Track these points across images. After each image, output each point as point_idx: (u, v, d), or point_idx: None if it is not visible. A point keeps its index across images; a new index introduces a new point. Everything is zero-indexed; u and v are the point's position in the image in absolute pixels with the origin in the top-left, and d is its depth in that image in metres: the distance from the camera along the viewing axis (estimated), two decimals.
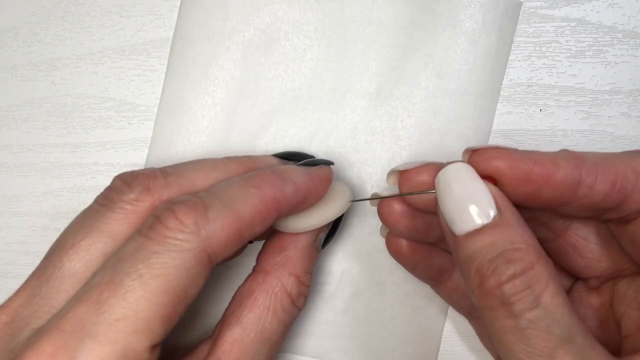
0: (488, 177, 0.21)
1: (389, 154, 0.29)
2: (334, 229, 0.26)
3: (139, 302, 0.19)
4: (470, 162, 0.22)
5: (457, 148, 0.29)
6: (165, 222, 0.20)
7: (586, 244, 0.24)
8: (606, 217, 0.22)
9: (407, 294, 0.29)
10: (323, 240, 0.26)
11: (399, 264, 0.28)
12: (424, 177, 0.23)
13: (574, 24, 0.29)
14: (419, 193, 0.23)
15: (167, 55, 0.30)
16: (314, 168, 0.25)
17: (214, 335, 0.23)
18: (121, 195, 0.22)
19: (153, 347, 0.19)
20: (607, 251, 0.24)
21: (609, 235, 0.24)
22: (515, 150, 0.21)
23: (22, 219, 0.31)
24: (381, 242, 0.28)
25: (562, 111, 0.29)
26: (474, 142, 0.29)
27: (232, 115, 0.30)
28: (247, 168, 0.24)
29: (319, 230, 0.26)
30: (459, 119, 0.29)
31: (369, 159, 0.29)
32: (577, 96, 0.29)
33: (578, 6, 0.29)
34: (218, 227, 0.20)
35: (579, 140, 0.29)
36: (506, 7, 0.29)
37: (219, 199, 0.21)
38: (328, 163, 0.26)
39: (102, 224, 0.21)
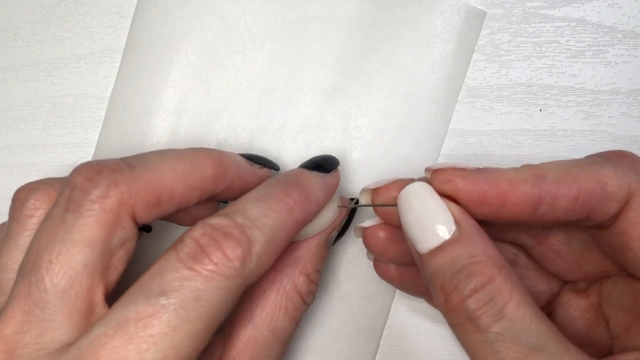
0: (448, 195, 0.22)
1: (340, 152, 0.29)
2: (345, 226, 0.27)
3: (184, 342, 0.18)
4: (430, 182, 0.22)
5: (408, 150, 0.29)
6: (211, 255, 0.19)
7: (568, 249, 0.24)
8: (578, 225, 0.22)
9: (347, 293, 0.29)
10: (334, 238, 0.26)
11: (341, 263, 0.29)
12: (395, 194, 0.23)
13: (574, 24, 0.29)
14: (387, 205, 0.24)
15: (126, 40, 0.30)
16: (328, 176, 0.25)
17: (225, 332, 0.23)
18: (87, 195, 0.20)
19: None
20: (589, 254, 0.24)
21: (589, 240, 0.24)
22: (473, 171, 0.21)
23: None
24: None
25: (562, 111, 0.29)
26: (426, 146, 0.29)
27: (185, 99, 0.30)
28: (216, 163, 0.23)
29: (331, 229, 0.26)
30: (411, 122, 0.29)
31: (320, 154, 0.29)
32: (577, 96, 0.29)
33: (578, 6, 0.29)
34: (261, 263, 0.20)
35: (579, 140, 0.29)
36: (467, 16, 0.29)
37: (260, 231, 0.21)
38: (336, 163, 0.26)
39: (75, 233, 0.20)
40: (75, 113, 0.31)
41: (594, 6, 0.29)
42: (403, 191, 0.22)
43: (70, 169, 0.32)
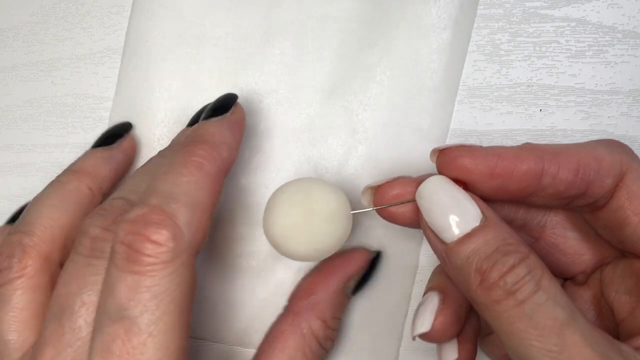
0: (459, 182, 0.22)
1: (345, 148, 0.29)
2: (367, 275, 0.28)
3: (166, 339, 0.19)
4: (437, 162, 0.23)
5: (413, 141, 0.29)
6: (143, 250, 0.20)
7: (565, 241, 0.25)
8: (575, 204, 0.23)
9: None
10: (353, 287, 0.27)
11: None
12: (398, 191, 0.23)
13: (574, 24, 0.29)
14: (400, 204, 0.23)
15: (123, 50, 0.30)
16: (229, 115, 0.25)
17: None
18: (8, 273, 0.22)
19: None
20: (586, 243, 0.25)
21: (585, 227, 0.25)
22: (479, 147, 0.22)
23: None
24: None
25: (562, 111, 0.29)
26: (430, 135, 0.29)
27: (187, 108, 0.30)
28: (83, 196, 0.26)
29: (349, 277, 0.27)
30: (415, 113, 0.29)
31: (325, 153, 0.29)
32: (577, 96, 0.29)
33: (578, 6, 0.29)
34: (194, 230, 0.21)
35: (579, 140, 0.29)
36: (461, 3, 0.29)
37: (178, 202, 0.21)
38: (232, 98, 0.26)
39: (13, 312, 0.22)
40: (75, 113, 0.31)
41: (594, 6, 0.29)
42: (424, 184, 0.22)
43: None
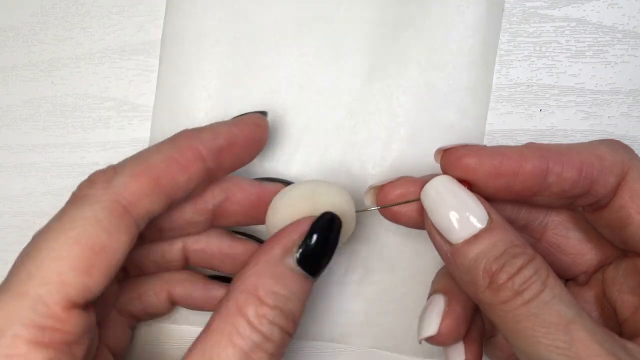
0: (464, 182, 0.22)
1: (387, 132, 0.29)
2: (316, 243, 0.22)
3: (49, 254, 0.19)
4: (442, 161, 0.23)
5: (455, 120, 0.29)
6: (79, 187, 0.21)
7: (566, 241, 0.25)
8: (578, 204, 0.23)
9: (417, 271, 0.29)
10: (298, 256, 0.21)
11: (406, 242, 0.29)
12: (401, 191, 0.24)
13: (574, 24, 0.29)
14: (404, 203, 0.23)
15: (159, 54, 0.30)
16: (238, 116, 0.25)
17: None
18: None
19: (72, 305, 0.19)
20: (588, 243, 0.25)
21: (587, 227, 0.25)
22: (484, 147, 0.22)
23: (22, 219, 0.31)
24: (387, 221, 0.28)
25: (562, 111, 0.29)
26: (471, 113, 0.29)
27: (228, 107, 0.30)
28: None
29: (288, 243, 0.22)
30: (454, 91, 0.29)
31: (368, 138, 0.29)
32: (577, 96, 0.29)
33: (578, 6, 0.29)
34: (127, 176, 0.21)
35: (579, 141, 0.29)
36: None
37: (131, 158, 0.22)
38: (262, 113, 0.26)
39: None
40: (75, 113, 0.31)
41: (594, 6, 0.29)
42: (429, 185, 0.22)
43: (70, 169, 0.32)
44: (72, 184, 0.32)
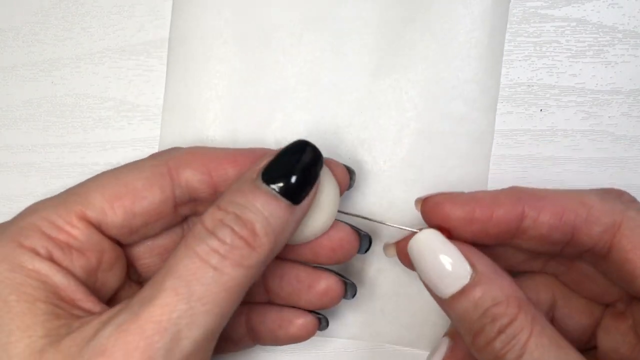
0: (443, 229, 0.23)
1: (397, 127, 0.29)
2: (283, 162, 0.22)
3: (94, 180, 0.23)
4: (421, 210, 0.24)
5: (464, 112, 0.29)
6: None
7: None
8: (567, 252, 0.23)
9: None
10: (262, 171, 0.21)
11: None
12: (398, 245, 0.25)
13: (574, 24, 0.29)
14: (405, 229, 0.24)
15: (167, 55, 0.30)
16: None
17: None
18: None
19: (86, 218, 0.22)
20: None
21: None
22: (460, 194, 0.23)
23: None
24: (403, 217, 0.29)
25: (562, 111, 0.29)
26: (480, 105, 0.29)
27: (237, 106, 0.30)
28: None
29: (259, 165, 0.22)
30: (463, 84, 0.29)
31: (378, 134, 0.29)
32: (578, 96, 0.29)
33: (578, 6, 0.29)
34: (184, 152, 0.24)
35: (580, 140, 0.29)
36: None
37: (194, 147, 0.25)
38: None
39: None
40: (75, 113, 0.31)
41: (594, 6, 0.29)
42: (412, 241, 0.23)
43: (70, 169, 0.32)
44: (72, 184, 0.32)
